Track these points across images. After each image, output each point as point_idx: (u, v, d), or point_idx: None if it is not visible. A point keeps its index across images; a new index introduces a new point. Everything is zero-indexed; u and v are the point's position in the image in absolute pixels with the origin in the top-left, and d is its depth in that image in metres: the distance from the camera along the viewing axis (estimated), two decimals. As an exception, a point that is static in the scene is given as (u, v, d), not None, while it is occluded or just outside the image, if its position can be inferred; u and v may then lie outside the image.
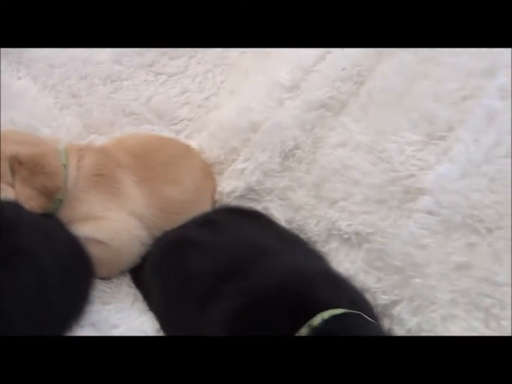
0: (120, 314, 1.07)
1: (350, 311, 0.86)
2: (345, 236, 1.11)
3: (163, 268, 1.12)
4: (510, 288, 0.81)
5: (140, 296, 1.16)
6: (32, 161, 1.13)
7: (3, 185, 1.10)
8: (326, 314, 0.84)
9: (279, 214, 1.29)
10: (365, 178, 1.09)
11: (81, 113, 1.66)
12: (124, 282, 1.20)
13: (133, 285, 1.19)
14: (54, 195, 1.14)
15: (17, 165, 1.11)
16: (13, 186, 1.11)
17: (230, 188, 1.43)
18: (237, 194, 1.42)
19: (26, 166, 1.12)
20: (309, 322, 0.83)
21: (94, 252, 1.12)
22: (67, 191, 1.17)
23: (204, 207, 1.34)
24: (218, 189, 1.46)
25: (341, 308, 0.86)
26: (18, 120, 1.49)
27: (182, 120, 1.74)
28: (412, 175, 1.00)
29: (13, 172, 1.11)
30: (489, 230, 0.85)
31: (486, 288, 0.84)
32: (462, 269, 0.88)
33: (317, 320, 0.83)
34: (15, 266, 0.93)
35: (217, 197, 1.45)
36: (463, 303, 0.86)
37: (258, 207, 1.35)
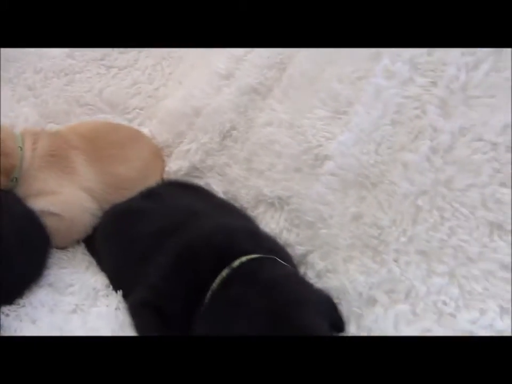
0: (75, 275, 1.22)
1: (266, 256, 1.03)
2: (270, 201, 1.28)
3: (110, 234, 1.27)
4: (391, 229, 0.99)
5: (94, 262, 1.31)
6: (-10, 144, 1.26)
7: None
8: (244, 258, 1.01)
9: (218, 187, 1.46)
10: (285, 150, 1.27)
11: (38, 104, 1.80)
12: (79, 250, 1.34)
13: (87, 253, 1.33)
14: (11, 173, 1.28)
15: (-23, 148, 1.25)
16: (-27, 166, 1.24)
17: (176, 167, 1.59)
18: (182, 172, 1.58)
19: (-16, 148, 1.25)
20: (230, 265, 1.00)
21: (50, 223, 1.26)
22: (23, 170, 1.31)
23: (152, 183, 1.49)
24: (166, 169, 1.62)
25: (258, 254, 1.03)
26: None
27: (133, 109, 1.89)
28: (320, 145, 1.19)
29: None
30: (374, 185, 1.04)
31: (374, 232, 1.02)
32: (356, 218, 1.06)
33: (236, 263, 1.00)
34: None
35: (165, 176, 1.61)
36: (358, 246, 1.04)
37: (201, 182, 1.52)
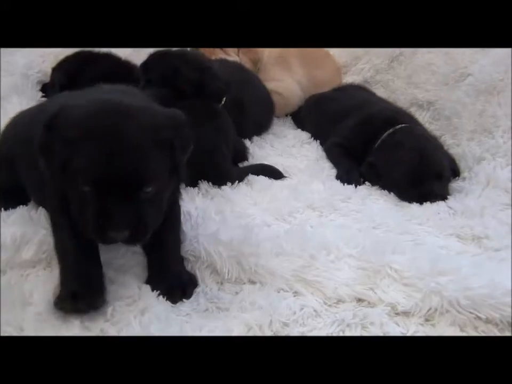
0: (288, 131, 1.99)
1: (408, 125, 1.68)
2: (420, 103, 1.92)
3: (313, 110, 2.01)
4: (503, 118, 1.57)
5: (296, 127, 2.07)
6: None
7: (233, 54, 2.04)
8: (403, 125, 1.67)
9: (382, 94, 2.11)
10: (439, 70, 1.88)
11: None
12: (287, 120, 2.11)
13: (292, 122, 2.10)
14: (257, 64, 2.07)
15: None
16: (238, 56, 2.04)
17: (351, 80, 2.27)
18: (355, 84, 2.25)
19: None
20: (394, 127, 1.66)
21: (274, 98, 2.03)
22: (263, 63, 2.09)
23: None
24: (344, 81, 2.30)
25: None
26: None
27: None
28: (466, 67, 1.78)
29: (238, 50, 2.05)
30: (498, 92, 1.61)
31: (491, 120, 1.61)
32: (481, 113, 1.65)
33: (398, 126, 1.66)
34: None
35: (341, 86, 2.30)
36: (479, 130, 1.64)
37: (369, 92, 2.18)
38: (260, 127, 1.93)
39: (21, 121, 1.29)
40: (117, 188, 0.91)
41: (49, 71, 1.78)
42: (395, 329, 1.00)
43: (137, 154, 0.93)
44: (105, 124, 0.93)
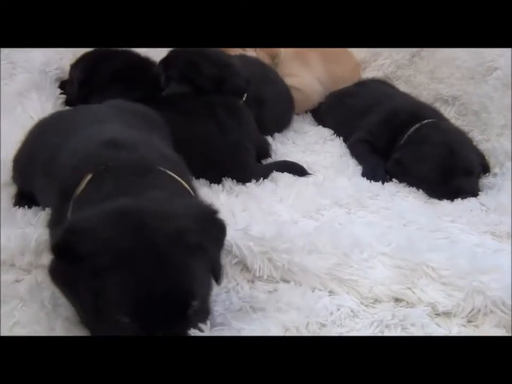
0: (309, 127, 1.94)
1: (434, 120, 1.64)
2: (445, 99, 1.87)
3: (333, 105, 1.96)
4: None
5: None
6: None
7: (250, 50, 2.00)
8: (430, 120, 1.62)
9: (404, 90, 2.06)
10: (464, 64, 1.83)
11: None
12: (308, 117, 2.06)
13: (312, 118, 2.05)
14: (274, 58, 2.03)
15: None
16: (255, 50, 2.00)
17: (371, 76, 2.22)
18: (377, 78, 2.21)
19: (264, 42, 2.01)
20: (420, 122, 1.62)
21: (294, 95, 1.99)
22: (280, 58, 2.05)
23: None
24: (363, 77, 2.25)
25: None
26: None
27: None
28: (492, 60, 1.73)
29: (255, 46, 2.02)
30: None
31: None
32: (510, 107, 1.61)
33: (424, 121, 1.62)
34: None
35: (361, 82, 2.25)
36: (509, 125, 1.59)
37: (389, 88, 2.13)
38: (280, 123, 1.89)
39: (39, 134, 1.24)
40: (161, 315, 0.81)
41: (67, 68, 1.75)
42: (437, 330, 0.96)
43: (175, 272, 0.82)
44: (133, 246, 0.81)
